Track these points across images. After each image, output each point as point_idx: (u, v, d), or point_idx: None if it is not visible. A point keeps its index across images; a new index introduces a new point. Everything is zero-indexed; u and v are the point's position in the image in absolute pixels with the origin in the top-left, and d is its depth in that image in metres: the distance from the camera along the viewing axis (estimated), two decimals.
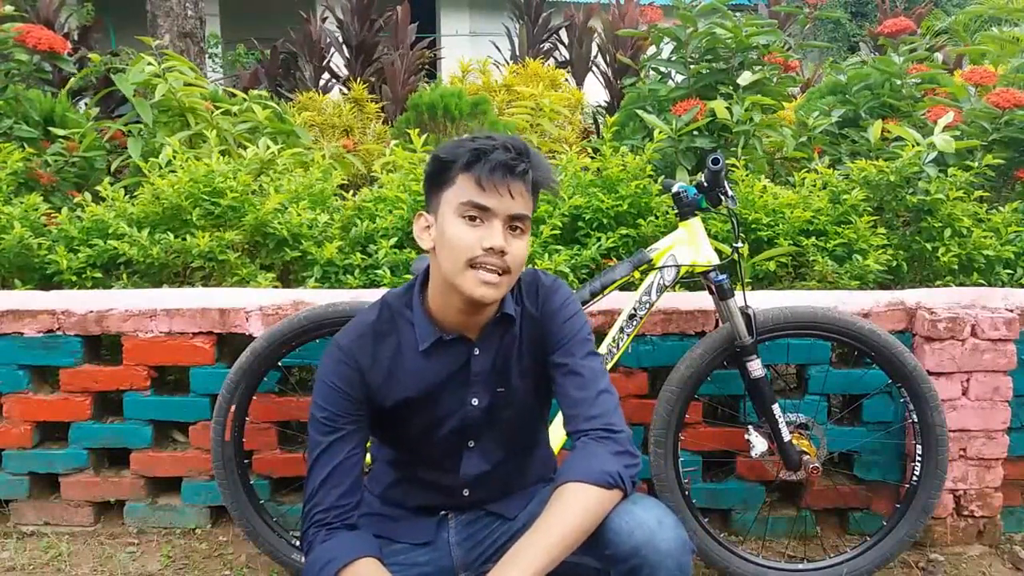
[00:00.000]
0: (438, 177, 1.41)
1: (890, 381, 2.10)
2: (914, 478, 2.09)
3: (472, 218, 1.36)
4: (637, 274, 2.09)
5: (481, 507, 1.58)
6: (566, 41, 6.30)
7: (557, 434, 1.87)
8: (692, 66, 3.21)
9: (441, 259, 1.40)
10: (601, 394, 1.45)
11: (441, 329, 1.47)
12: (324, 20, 5.97)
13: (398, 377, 1.48)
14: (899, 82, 3.38)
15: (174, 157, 2.75)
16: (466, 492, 1.56)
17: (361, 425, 1.48)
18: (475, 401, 1.50)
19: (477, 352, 1.48)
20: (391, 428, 1.53)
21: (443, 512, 1.58)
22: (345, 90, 5.10)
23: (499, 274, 1.36)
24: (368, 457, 1.81)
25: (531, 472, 1.63)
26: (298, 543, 2.14)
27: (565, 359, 1.48)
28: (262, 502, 2.19)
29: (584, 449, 1.40)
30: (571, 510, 1.31)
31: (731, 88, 3.09)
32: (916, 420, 2.07)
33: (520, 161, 1.36)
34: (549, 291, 1.52)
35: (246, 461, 2.23)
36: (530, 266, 2.41)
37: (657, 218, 2.60)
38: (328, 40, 5.82)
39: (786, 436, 2.03)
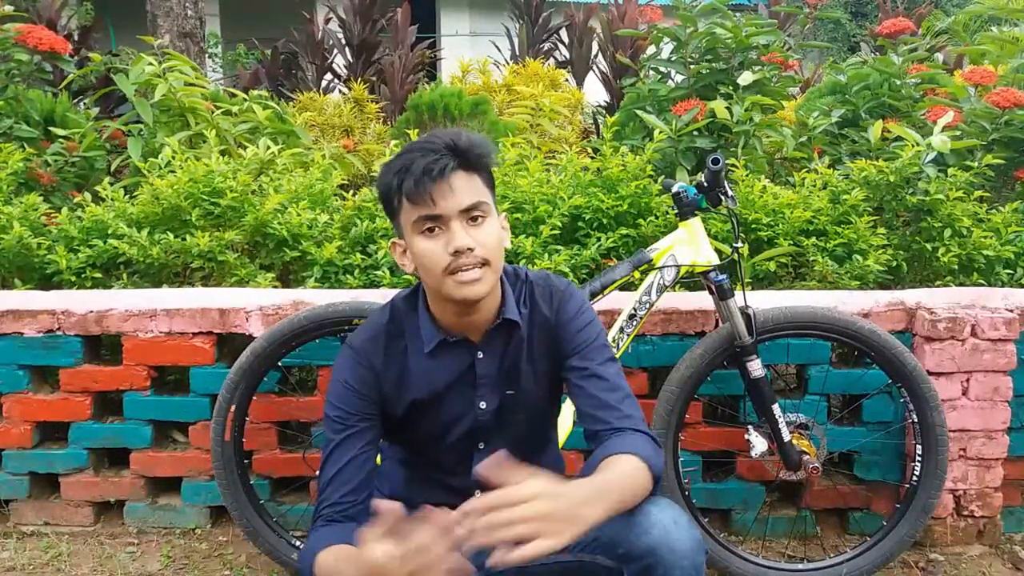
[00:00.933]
0: (388, 207, 1.43)
1: (890, 381, 2.10)
2: (914, 478, 2.09)
3: (429, 230, 1.36)
4: (637, 274, 2.09)
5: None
6: (566, 41, 6.29)
7: (559, 431, 1.87)
8: (692, 66, 3.21)
9: (423, 276, 1.41)
10: (626, 397, 1.46)
11: (444, 331, 1.47)
12: (328, 21, 5.97)
13: (408, 379, 1.49)
14: (898, 82, 3.38)
15: (174, 157, 2.75)
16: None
17: (373, 424, 1.48)
18: (483, 404, 1.50)
19: (481, 355, 1.49)
20: (403, 429, 1.54)
21: None
22: (346, 90, 5.11)
23: (478, 268, 1.36)
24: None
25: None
26: (298, 543, 2.14)
27: (584, 363, 1.47)
28: (262, 502, 2.19)
29: (629, 436, 1.39)
30: (626, 475, 1.30)
31: (731, 88, 3.09)
32: (916, 420, 2.07)
33: (438, 160, 1.33)
34: (564, 297, 1.52)
35: (246, 461, 2.23)
36: (529, 267, 2.42)
37: (657, 218, 2.60)
38: (331, 41, 5.83)
39: (786, 436, 2.03)
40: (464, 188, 1.35)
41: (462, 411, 1.50)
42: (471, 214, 1.36)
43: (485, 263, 1.36)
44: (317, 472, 1.50)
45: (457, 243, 1.34)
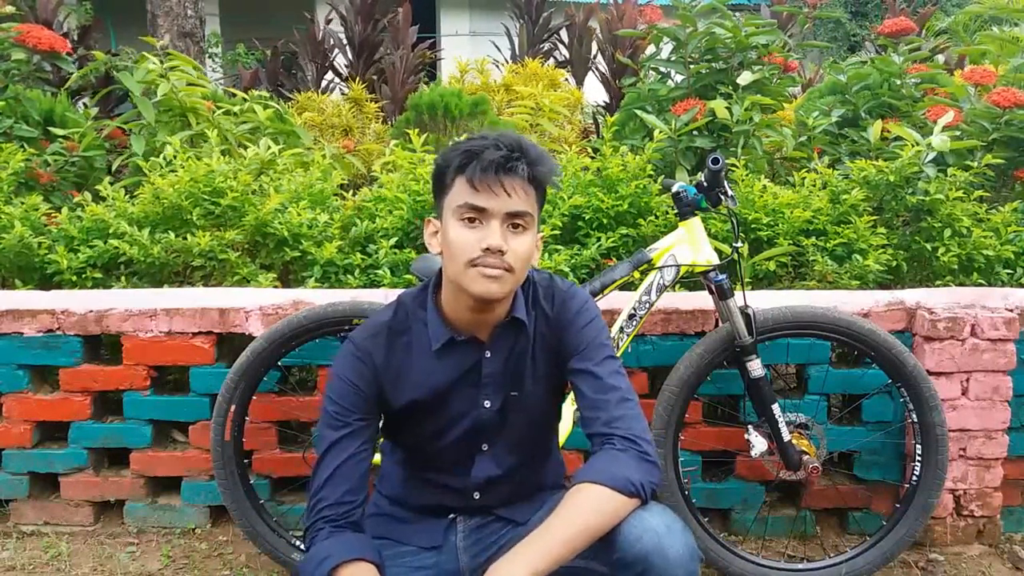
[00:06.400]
0: (438, 183, 1.43)
1: (890, 381, 2.10)
2: (914, 478, 2.09)
3: (471, 220, 1.36)
4: (637, 274, 2.09)
5: (490, 512, 1.57)
6: (566, 41, 6.29)
7: (560, 431, 1.87)
8: (692, 66, 3.21)
9: (446, 262, 1.41)
10: (622, 399, 1.44)
11: (453, 330, 1.47)
12: (329, 22, 5.98)
13: (411, 376, 1.48)
14: (898, 82, 3.38)
15: (175, 157, 2.75)
16: (476, 495, 1.55)
17: (371, 422, 1.48)
18: (487, 403, 1.50)
19: (488, 354, 1.49)
20: (405, 428, 1.53)
21: (451, 515, 1.58)
22: (347, 90, 5.11)
23: (502, 270, 1.36)
24: (377, 457, 1.81)
25: (542, 478, 1.62)
26: (298, 543, 2.14)
27: (583, 364, 1.47)
28: (262, 502, 2.19)
29: (608, 453, 1.39)
30: (584, 511, 1.30)
31: (731, 88, 3.09)
32: (916, 420, 2.07)
33: (511, 158, 1.35)
34: (566, 297, 1.52)
35: (246, 461, 2.24)
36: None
37: (657, 218, 2.60)
38: (332, 40, 5.83)
39: (786, 436, 2.03)
40: (519, 194, 1.37)
41: (466, 409, 1.50)
42: (514, 221, 1.37)
43: (509, 269, 1.37)
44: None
45: (491, 241, 1.34)
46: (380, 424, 1.55)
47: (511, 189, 1.36)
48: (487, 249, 1.34)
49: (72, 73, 3.58)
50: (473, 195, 1.35)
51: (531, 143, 1.41)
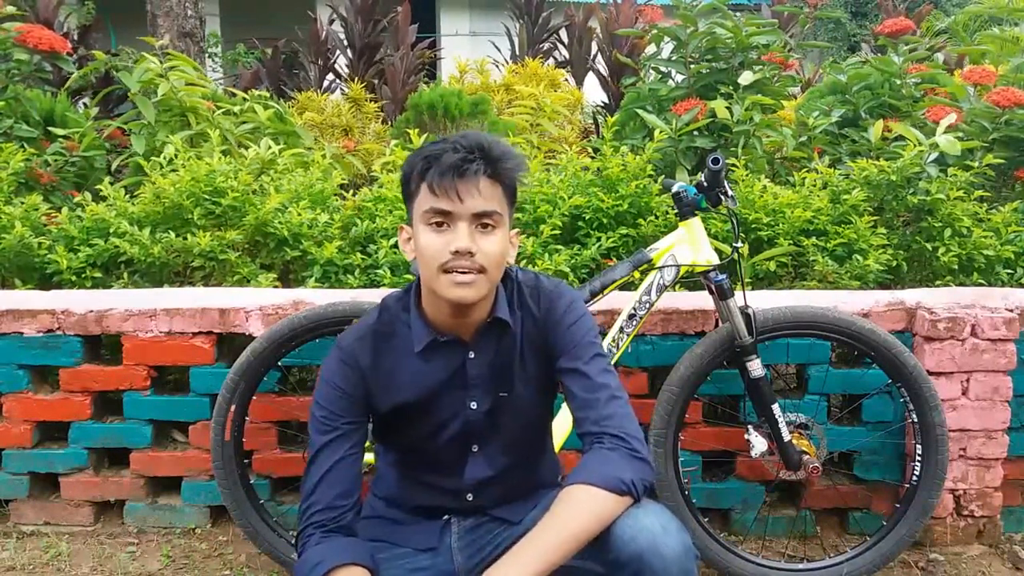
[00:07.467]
0: (406, 190, 1.43)
1: (890, 381, 2.10)
2: (914, 478, 2.09)
3: (438, 224, 1.36)
4: (637, 274, 2.08)
5: (485, 512, 1.57)
6: (565, 41, 6.30)
7: (557, 432, 1.87)
8: (692, 66, 3.21)
9: (420, 268, 1.41)
10: (611, 397, 1.44)
11: (435, 331, 1.47)
12: (332, 22, 5.98)
13: (398, 379, 1.48)
14: (899, 82, 3.38)
15: (176, 156, 2.76)
16: (469, 496, 1.55)
17: (360, 426, 1.48)
18: (474, 404, 1.49)
19: (472, 355, 1.48)
20: (395, 430, 1.53)
21: (446, 516, 1.58)
22: (347, 90, 5.12)
23: (474, 273, 1.36)
24: (371, 457, 1.81)
25: (536, 478, 1.62)
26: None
27: (572, 363, 1.46)
28: (262, 502, 2.19)
29: (598, 453, 1.38)
30: (577, 512, 1.30)
31: (731, 88, 3.09)
32: (916, 420, 2.07)
33: (468, 159, 1.34)
34: (552, 296, 1.51)
35: (246, 461, 2.24)
36: (529, 267, 2.42)
37: (657, 218, 2.60)
38: (333, 41, 5.84)
39: (786, 436, 2.03)
40: (483, 194, 1.36)
41: (454, 411, 1.50)
42: (482, 221, 1.36)
43: (482, 270, 1.36)
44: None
45: (458, 244, 1.34)
46: (370, 426, 1.54)
47: (471, 190, 1.34)
48: (456, 252, 1.34)
49: (72, 73, 3.58)
50: (435, 199, 1.35)
51: (495, 141, 1.39)
